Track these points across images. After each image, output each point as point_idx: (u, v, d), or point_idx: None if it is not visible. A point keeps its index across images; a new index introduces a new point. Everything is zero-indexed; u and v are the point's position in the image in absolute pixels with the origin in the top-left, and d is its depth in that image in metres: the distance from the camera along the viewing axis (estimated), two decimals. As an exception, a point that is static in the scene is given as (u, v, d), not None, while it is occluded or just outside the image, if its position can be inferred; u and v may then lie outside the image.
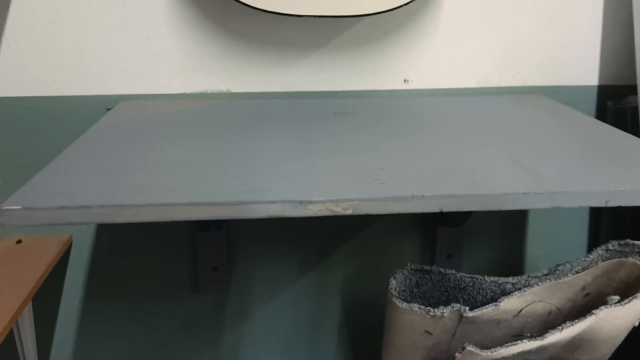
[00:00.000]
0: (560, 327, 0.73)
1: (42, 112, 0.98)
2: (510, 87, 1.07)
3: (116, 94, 0.99)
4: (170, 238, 1.07)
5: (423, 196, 0.57)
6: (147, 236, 1.06)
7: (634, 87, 1.01)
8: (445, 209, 0.58)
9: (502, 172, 0.65)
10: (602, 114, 1.08)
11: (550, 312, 0.84)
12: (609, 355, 0.84)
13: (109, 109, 0.96)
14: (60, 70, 0.97)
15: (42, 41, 0.96)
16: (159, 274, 1.09)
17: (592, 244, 1.14)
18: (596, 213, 1.14)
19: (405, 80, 1.05)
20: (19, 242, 0.99)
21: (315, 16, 0.90)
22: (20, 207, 0.54)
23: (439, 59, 1.04)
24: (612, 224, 1.10)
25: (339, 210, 0.56)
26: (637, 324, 0.80)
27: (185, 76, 1.00)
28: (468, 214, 1.05)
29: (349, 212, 0.56)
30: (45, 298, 1.06)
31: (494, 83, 1.06)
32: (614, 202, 0.60)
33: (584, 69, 1.07)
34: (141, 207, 0.54)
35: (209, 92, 1.02)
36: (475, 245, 1.13)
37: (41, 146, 0.99)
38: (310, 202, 0.56)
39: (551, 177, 0.63)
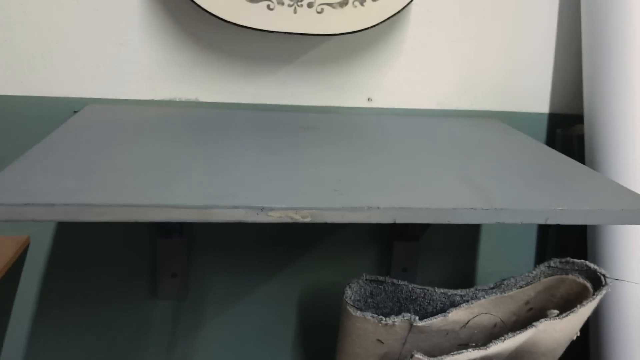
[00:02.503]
0: (502, 338, 0.77)
1: (8, 112, 0.98)
2: (467, 111, 1.12)
3: (84, 97, 1.00)
4: (130, 243, 1.07)
5: (378, 207, 0.61)
6: (107, 240, 1.07)
7: (582, 116, 1.08)
8: (399, 221, 0.61)
9: (454, 189, 0.69)
10: (551, 140, 1.15)
11: (495, 325, 0.88)
12: (549, 368, 0.89)
13: (75, 112, 0.97)
14: (28, 70, 0.98)
15: (12, 41, 0.96)
16: (118, 279, 1.09)
17: (539, 262, 1.20)
18: (544, 232, 1.20)
19: (369, 99, 1.09)
20: (-25, 241, 0.98)
21: (285, 33, 0.93)
22: (-16, 202, 0.55)
23: (401, 80, 1.09)
24: (557, 243, 1.16)
25: (298, 217, 0.59)
26: (574, 338, 0.85)
27: (155, 83, 1.02)
28: (424, 229, 1.09)
29: (308, 219, 0.59)
30: (-1, 298, 1.05)
31: (452, 106, 1.12)
32: (552, 220, 0.64)
33: (537, 97, 1.14)
34: (105, 207, 0.56)
35: (177, 99, 1.03)
36: (429, 260, 1.17)
37: (6, 145, 0.99)
38: (272, 209, 0.59)
39: (497, 195, 0.67)
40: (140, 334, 1.11)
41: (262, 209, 0.58)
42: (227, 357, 1.15)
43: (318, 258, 1.14)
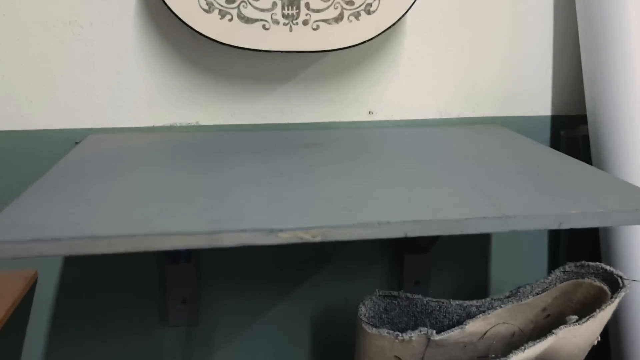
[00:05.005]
0: (522, 348, 0.75)
1: (9, 147, 0.98)
2: (469, 118, 1.12)
3: (85, 128, 1.00)
4: (138, 271, 1.06)
5: (389, 222, 0.60)
6: (115, 269, 1.06)
7: (585, 117, 1.07)
8: (410, 234, 0.60)
9: (463, 199, 0.68)
10: (556, 143, 1.14)
11: (514, 334, 0.86)
12: (571, 374, 0.87)
13: (77, 143, 0.97)
14: (28, 104, 0.98)
15: (10, 75, 0.96)
16: (127, 308, 1.08)
17: (552, 267, 1.19)
18: (555, 237, 1.19)
19: (370, 112, 1.08)
20: (-18, 278, 0.97)
21: (282, 52, 0.93)
22: (-9, 240, 0.54)
23: (401, 91, 1.08)
24: (570, 246, 1.15)
25: (308, 237, 0.58)
26: (595, 343, 0.84)
27: (155, 109, 1.02)
28: (433, 240, 1.08)
29: (318, 239, 0.58)
30: (9, 335, 1.03)
31: (454, 114, 1.11)
32: (566, 225, 0.63)
33: (538, 100, 1.13)
34: (114, 238, 0.55)
35: (178, 124, 1.03)
36: (441, 271, 1.16)
37: (8, 180, 0.98)
38: (281, 231, 0.58)
39: (508, 202, 0.66)
40: (152, 362, 1.10)
41: (271, 230, 0.57)
42: (242, 382, 1.14)
43: (328, 275, 1.13)
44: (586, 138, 1.07)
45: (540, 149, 0.93)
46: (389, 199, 0.68)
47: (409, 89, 1.09)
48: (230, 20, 0.91)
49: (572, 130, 1.12)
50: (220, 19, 0.91)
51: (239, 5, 0.91)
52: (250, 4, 0.91)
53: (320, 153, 0.88)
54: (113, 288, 1.06)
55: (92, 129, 1.00)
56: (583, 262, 0.84)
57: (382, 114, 1.09)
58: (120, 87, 1.00)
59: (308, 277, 1.12)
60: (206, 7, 0.90)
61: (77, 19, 0.96)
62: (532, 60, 1.11)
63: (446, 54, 1.08)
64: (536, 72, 1.12)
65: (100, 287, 1.06)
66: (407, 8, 0.95)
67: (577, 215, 0.63)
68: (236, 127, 1.05)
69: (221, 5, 0.91)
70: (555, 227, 0.63)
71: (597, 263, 0.83)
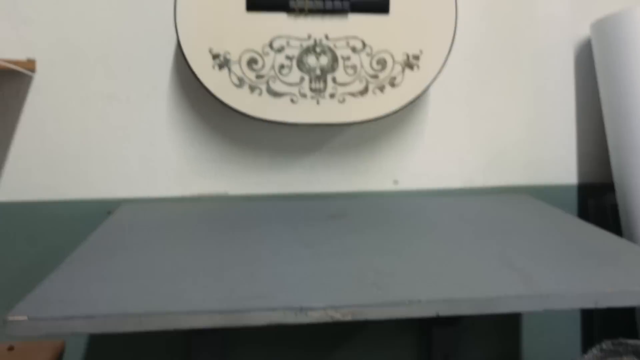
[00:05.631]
0: None
1: (44, 217, 1.01)
2: (494, 187, 1.11)
3: (118, 198, 1.02)
4: (165, 341, 1.06)
5: (420, 301, 0.59)
6: (141, 339, 1.05)
7: (612, 184, 1.06)
8: (442, 313, 0.59)
9: (494, 275, 0.67)
10: (584, 211, 1.12)
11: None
12: None
13: (109, 212, 0.99)
14: (64, 175, 1.01)
15: (50, 147, 1.00)
16: (151, 379, 1.06)
17: (586, 342, 1.14)
18: (588, 310, 1.15)
19: (395, 182, 1.09)
20: (10, 348, 0.97)
21: (309, 124, 0.95)
22: (26, 317, 0.55)
23: (426, 160, 1.09)
24: (603, 321, 1.11)
25: (338, 316, 0.57)
26: None
27: (184, 180, 1.04)
28: (462, 311, 1.06)
29: (349, 318, 0.58)
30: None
31: (478, 183, 1.11)
32: (603, 304, 0.62)
33: (564, 169, 1.13)
34: (145, 316, 0.55)
35: (207, 194, 1.05)
36: (470, 344, 1.13)
37: (42, 250, 1.00)
38: (311, 309, 0.57)
39: (541, 279, 0.65)
40: None
41: (301, 309, 0.57)
42: None
43: (355, 349, 1.10)
44: (615, 207, 1.05)
45: (570, 220, 0.92)
46: (417, 274, 0.67)
47: (434, 158, 1.09)
48: (260, 94, 0.94)
49: (600, 199, 1.10)
50: (250, 93, 0.94)
51: (268, 80, 0.94)
52: (279, 78, 0.95)
53: (348, 224, 0.89)
54: (139, 357, 1.05)
55: (124, 199, 1.03)
56: (620, 339, 0.81)
57: (407, 183, 1.09)
58: (153, 158, 1.03)
59: (334, 350, 1.10)
60: (237, 83, 0.94)
61: (116, 92, 1.00)
62: (556, 128, 1.12)
63: (470, 123, 1.09)
64: (560, 140, 1.12)
65: (127, 356, 1.05)
66: (431, 80, 0.98)
67: (613, 293, 0.62)
68: (263, 196, 1.06)
69: (251, 81, 0.94)
70: (591, 306, 0.61)
71: (636, 341, 0.80)
